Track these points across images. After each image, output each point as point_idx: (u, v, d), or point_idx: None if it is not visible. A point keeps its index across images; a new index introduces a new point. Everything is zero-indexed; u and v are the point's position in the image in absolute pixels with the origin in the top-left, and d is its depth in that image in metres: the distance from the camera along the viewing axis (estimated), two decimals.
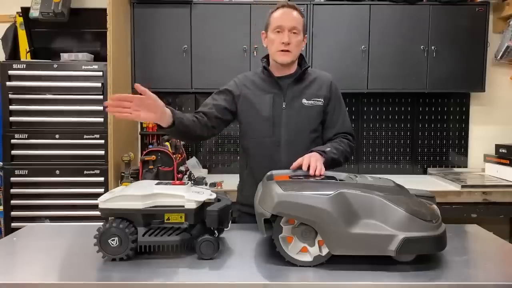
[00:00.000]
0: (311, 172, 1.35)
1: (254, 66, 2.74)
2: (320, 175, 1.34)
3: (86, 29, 2.89)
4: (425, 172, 3.13)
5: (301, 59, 1.73)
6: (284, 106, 1.66)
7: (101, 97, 2.62)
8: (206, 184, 2.62)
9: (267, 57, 1.76)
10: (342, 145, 1.65)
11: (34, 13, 2.72)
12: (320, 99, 1.68)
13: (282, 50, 1.62)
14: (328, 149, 1.55)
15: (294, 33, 1.62)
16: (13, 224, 2.62)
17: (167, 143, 2.68)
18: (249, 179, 1.70)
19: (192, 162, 3.02)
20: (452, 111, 3.12)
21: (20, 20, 2.86)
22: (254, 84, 1.72)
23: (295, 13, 1.64)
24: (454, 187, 2.58)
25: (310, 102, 1.67)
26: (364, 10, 2.76)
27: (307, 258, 1.09)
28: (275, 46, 1.64)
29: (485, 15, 2.78)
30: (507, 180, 2.69)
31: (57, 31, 2.89)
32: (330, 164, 1.56)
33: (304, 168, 1.37)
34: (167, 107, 1.43)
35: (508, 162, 2.75)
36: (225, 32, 2.77)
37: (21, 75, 2.63)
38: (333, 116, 1.71)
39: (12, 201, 2.64)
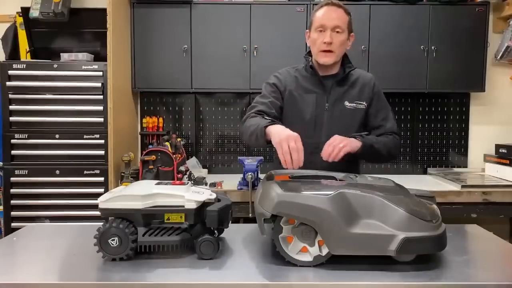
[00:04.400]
0: (324, 154, 1.34)
1: (254, 66, 2.75)
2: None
3: (86, 29, 2.89)
4: (425, 172, 3.13)
5: (344, 58, 1.68)
6: (326, 107, 1.62)
7: (101, 97, 2.62)
8: (206, 184, 2.62)
9: (310, 54, 1.71)
10: (386, 139, 1.62)
11: (34, 13, 2.72)
12: (362, 102, 1.65)
13: (324, 51, 1.58)
14: (366, 133, 1.53)
15: (338, 32, 1.57)
16: (13, 224, 2.62)
17: (167, 143, 2.68)
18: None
19: (192, 162, 3.01)
20: (452, 111, 3.12)
21: (20, 20, 2.86)
22: (297, 81, 1.67)
23: (339, 11, 1.59)
24: (454, 187, 2.58)
25: (352, 105, 1.63)
26: (364, 10, 2.76)
27: (307, 258, 1.09)
28: (317, 46, 1.60)
29: (485, 15, 2.78)
30: (507, 180, 2.69)
31: (57, 31, 2.88)
32: (369, 152, 1.52)
33: (323, 153, 1.35)
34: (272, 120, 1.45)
35: (508, 162, 2.75)
36: (225, 32, 2.77)
37: (21, 75, 2.63)
38: (376, 117, 1.67)
39: (12, 201, 2.64)
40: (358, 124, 1.65)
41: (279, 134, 1.31)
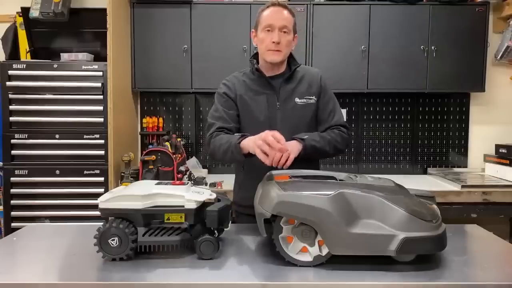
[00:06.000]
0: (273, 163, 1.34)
1: None
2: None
3: (86, 29, 2.89)
4: (425, 172, 3.13)
5: (289, 57, 1.71)
6: (278, 106, 1.64)
7: (101, 97, 2.62)
8: (206, 184, 2.62)
9: (256, 56, 1.73)
10: (331, 135, 1.62)
11: (34, 13, 2.72)
12: (311, 97, 1.67)
13: (272, 50, 1.61)
14: (306, 136, 1.54)
15: (285, 32, 1.60)
16: (13, 224, 2.62)
17: (167, 143, 2.68)
18: (246, 180, 1.69)
19: (192, 162, 3.02)
20: (452, 111, 3.12)
21: (20, 20, 2.86)
22: (246, 85, 1.69)
23: (285, 12, 1.62)
24: (454, 187, 2.58)
25: (302, 100, 1.66)
26: (364, 10, 2.76)
27: (307, 258, 1.09)
28: (265, 45, 1.62)
29: (485, 15, 2.78)
30: (507, 180, 2.69)
31: (57, 31, 2.88)
32: (312, 152, 1.54)
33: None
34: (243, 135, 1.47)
35: (508, 162, 2.75)
36: (225, 32, 2.77)
37: (21, 75, 2.63)
38: (324, 111, 1.68)
39: (12, 201, 2.64)
40: (310, 119, 1.67)
41: (255, 139, 1.36)
